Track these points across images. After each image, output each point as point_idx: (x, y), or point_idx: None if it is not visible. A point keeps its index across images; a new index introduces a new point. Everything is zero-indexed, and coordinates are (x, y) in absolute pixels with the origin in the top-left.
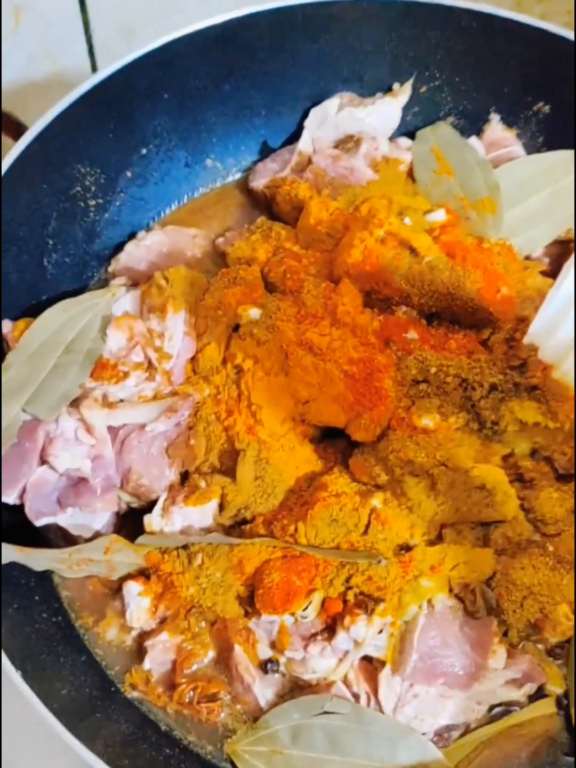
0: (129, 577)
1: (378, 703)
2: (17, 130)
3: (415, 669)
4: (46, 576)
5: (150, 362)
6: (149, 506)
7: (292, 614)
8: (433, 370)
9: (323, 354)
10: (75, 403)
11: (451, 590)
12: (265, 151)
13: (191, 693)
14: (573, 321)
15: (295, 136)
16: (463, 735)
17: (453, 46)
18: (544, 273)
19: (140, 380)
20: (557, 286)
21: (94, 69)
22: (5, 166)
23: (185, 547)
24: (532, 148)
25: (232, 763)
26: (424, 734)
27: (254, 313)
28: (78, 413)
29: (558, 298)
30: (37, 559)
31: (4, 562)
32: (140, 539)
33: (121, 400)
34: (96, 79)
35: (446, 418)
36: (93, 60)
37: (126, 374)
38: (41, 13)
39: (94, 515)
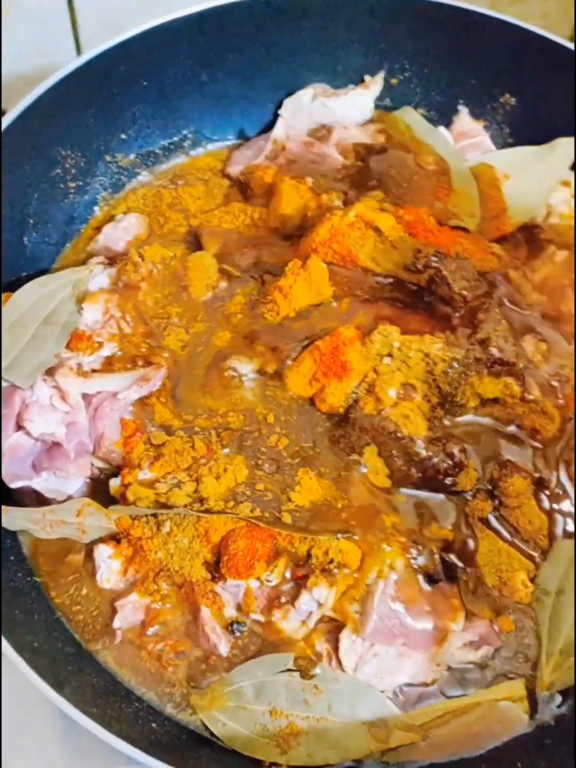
0: (100, 541)
1: (339, 661)
2: None
3: (375, 629)
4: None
5: (124, 335)
6: (120, 471)
7: (257, 579)
8: (396, 344)
9: None
10: (51, 372)
11: (411, 555)
12: (242, 139)
13: (159, 650)
14: None
15: (270, 125)
16: (423, 694)
17: (423, 39)
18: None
19: (114, 351)
20: None
21: None
22: None
23: (155, 514)
24: (498, 139)
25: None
26: (383, 692)
27: None
28: (53, 381)
29: None
30: (12, 518)
31: None
32: (112, 507)
33: (95, 370)
34: (75, 64)
35: (409, 391)
36: (80, 54)
37: (100, 345)
38: (29, 8)
39: (68, 480)
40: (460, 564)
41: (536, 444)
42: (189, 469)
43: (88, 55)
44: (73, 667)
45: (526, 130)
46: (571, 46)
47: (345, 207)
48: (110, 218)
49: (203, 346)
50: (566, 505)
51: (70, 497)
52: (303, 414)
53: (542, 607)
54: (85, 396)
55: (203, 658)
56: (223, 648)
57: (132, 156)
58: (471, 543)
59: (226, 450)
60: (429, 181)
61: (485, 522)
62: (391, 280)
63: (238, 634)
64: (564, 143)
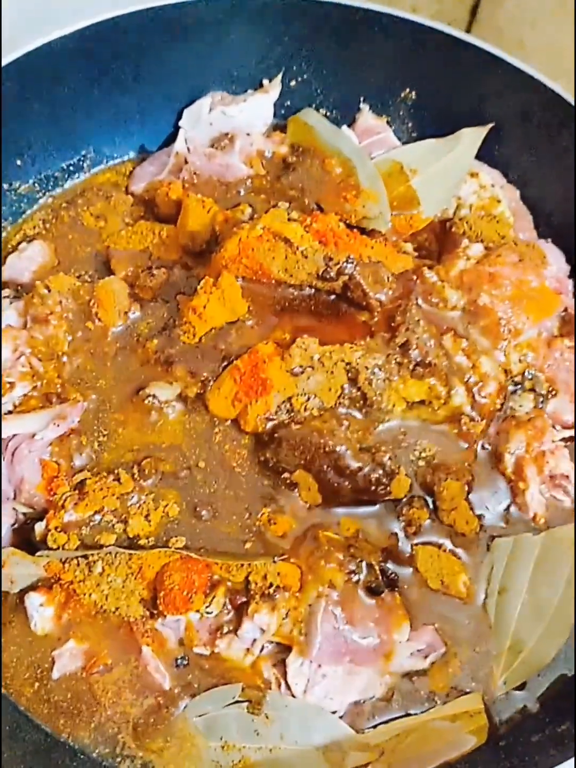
0: (31, 588)
1: (288, 686)
2: None
3: (321, 650)
4: None
5: (36, 372)
6: (44, 515)
7: (197, 611)
8: (316, 356)
9: None
10: None
11: (350, 570)
12: (143, 154)
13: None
14: None
15: (171, 138)
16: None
17: (317, 40)
18: (422, 254)
19: (27, 390)
20: None
21: None
22: None
23: (85, 555)
24: (402, 134)
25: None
26: (334, 712)
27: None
28: None
29: None
30: None
31: None
32: (40, 553)
33: (9, 411)
34: None
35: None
36: None
37: (12, 386)
38: None
39: None
40: (400, 573)
41: (464, 443)
42: (116, 511)
43: None
44: (10, 727)
45: (429, 123)
46: (463, 36)
47: (252, 219)
48: (12, 248)
49: (121, 376)
50: (500, 504)
51: None
52: (229, 441)
53: (487, 608)
54: None
55: (154, 707)
56: (168, 685)
57: (30, 181)
58: (409, 550)
59: (150, 481)
60: (336, 184)
61: (423, 528)
62: (306, 290)
63: (182, 668)
64: (468, 133)
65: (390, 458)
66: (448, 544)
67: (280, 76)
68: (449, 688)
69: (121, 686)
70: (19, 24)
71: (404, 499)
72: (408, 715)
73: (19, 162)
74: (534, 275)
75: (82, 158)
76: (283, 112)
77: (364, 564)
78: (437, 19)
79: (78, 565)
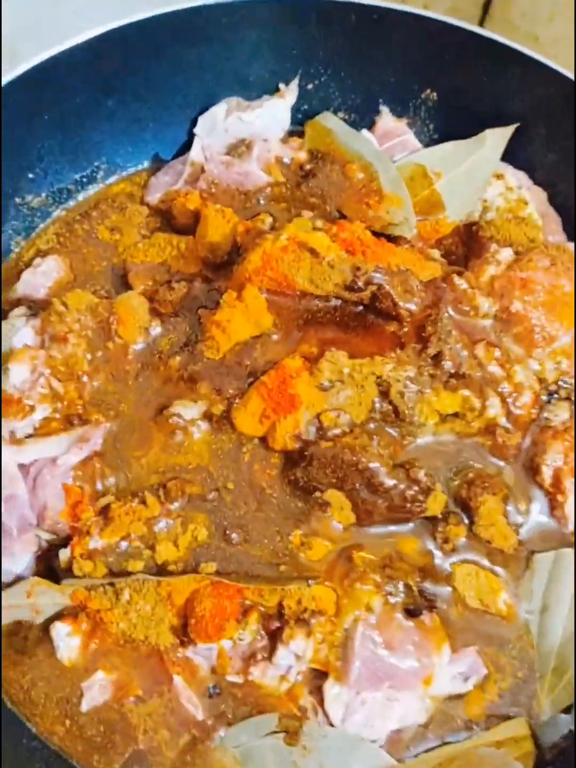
0: (56, 617)
1: (326, 714)
2: None
3: (359, 676)
4: None
5: (56, 393)
6: (68, 542)
7: (229, 638)
8: (346, 370)
9: None
10: None
11: (387, 592)
12: (157, 163)
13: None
14: None
15: (186, 146)
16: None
17: (334, 41)
18: (450, 260)
19: (47, 413)
20: None
21: None
22: None
23: (112, 583)
24: (423, 136)
25: None
26: (374, 741)
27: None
28: None
29: None
30: None
31: None
32: (65, 581)
33: (30, 435)
34: None
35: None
36: None
37: (32, 408)
38: None
39: (14, 559)
40: (438, 592)
41: (499, 461)
42: (143, 536)
43: None
44: (42, 764)
45: (451, 124)
46: (483, 31)
47: (273, 229)
48: (27, 263)
49: (143, 396)
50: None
51: (18, 577)
52: (258, 460)
53: (529, 627)
54: (21, 466)
55: (190, 743)
56: (202, 715)
57: (43, 195)
58: (447, 569)
59: (177, 504)
60: (358, 190)
61: (459, 545)
62: (333, 302)
63: (214, 697)
64: (492, 134)
65: (425, 474)
66: (485, 562)
67: (296, 80)
68: (486, 714)
69: (157, 721)
70: (29, 33)
71: (440, 516)
72: (446, 743)
73: (31, 175)
74: (566, 279)
75: (95, 169)
76: (300, 116)
77: (401, 585)
78: (450, 16)
79: (105, 592)
